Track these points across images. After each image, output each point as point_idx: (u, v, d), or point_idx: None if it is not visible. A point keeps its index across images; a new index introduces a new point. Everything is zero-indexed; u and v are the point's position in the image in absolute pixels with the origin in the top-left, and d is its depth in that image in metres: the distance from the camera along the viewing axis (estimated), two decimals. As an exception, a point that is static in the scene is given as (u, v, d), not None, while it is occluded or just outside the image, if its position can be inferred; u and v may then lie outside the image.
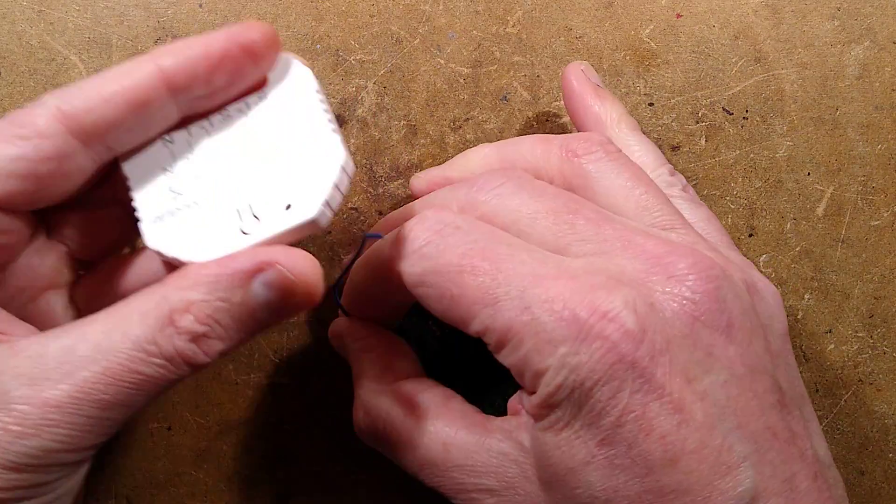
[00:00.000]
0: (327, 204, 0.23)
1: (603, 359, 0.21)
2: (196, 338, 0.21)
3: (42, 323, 0.26)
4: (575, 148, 0.27)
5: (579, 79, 0.30)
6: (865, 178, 0.34)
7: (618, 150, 0.27)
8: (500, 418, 0.25)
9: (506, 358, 0.23)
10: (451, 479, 0.25)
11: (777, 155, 0.34)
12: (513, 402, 0.25)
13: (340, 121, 0.34)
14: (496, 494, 0.24)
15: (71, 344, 0.21)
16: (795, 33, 0.34)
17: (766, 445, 0.22)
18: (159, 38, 0.34)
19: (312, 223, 0.23)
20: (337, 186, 0.23)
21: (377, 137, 0.34)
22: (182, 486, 0.34)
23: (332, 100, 0.34)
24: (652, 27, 0.34)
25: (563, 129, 0.34)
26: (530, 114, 0.34)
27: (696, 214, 0.28)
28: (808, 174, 0.34)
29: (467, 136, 0.34)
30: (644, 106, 0.34)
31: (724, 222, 0.34)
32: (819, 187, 0.34)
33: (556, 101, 0.34)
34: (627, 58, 0.34)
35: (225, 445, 0.34)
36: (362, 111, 0.34)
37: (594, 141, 0.27)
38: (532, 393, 0.23)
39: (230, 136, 0.24)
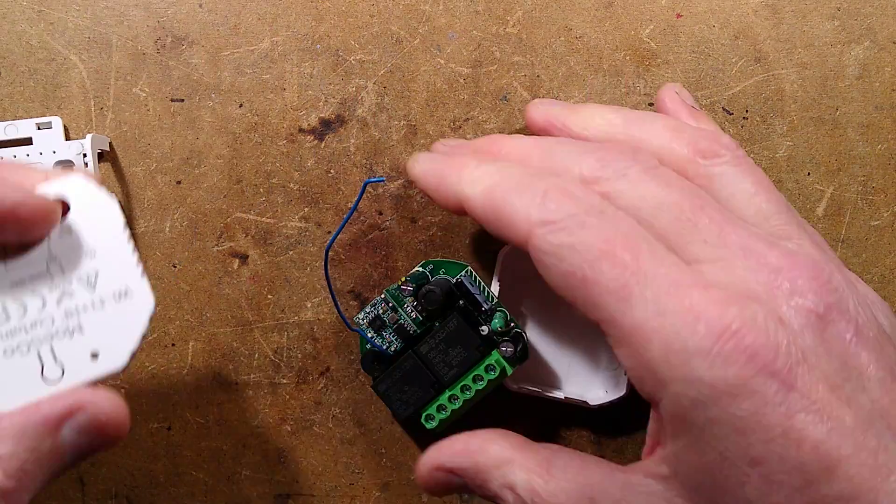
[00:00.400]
0: (133, 353, 0.23)
1: (740, 373, 0.21)
2: (5, 493, 0.20)
3: None
4: (704, 149, 0.27)
5: (674, 100, 0.31)
6: (865, 178, 0.34)
7: (744, 155, 0.27)
8: (636, 463, 0.25)
9: (627, 357, 0.23)
10: None
11: (777, 155, 0.34)
12: (651, 438, 0.25)
13: (340, 120, 0.34)
14: None
15: None
16: (795, 33, 0.34)
17: None
18: (159, 38, 0.34)
19: (118, 373, 0.23)
20: (144, 335, 0.23)
21: (377, 137, 0.34)
22: (182, 486, 0.34)
23: (332, 100, 0.34)
24: (652, 27, 0.34)
25: (563, 129, 0.34)
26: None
27: (807, 231, 0.27)
28: (808, 174, 0.34)
29: (467, 136, 0.34)
30: (644, 106, 0.34)
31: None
32: (819, 187, 0.34)
33: (556, 100, 0.34)
34: (627, 58, 0.34)
35: (225, 445, 0.34)
36: (362, 111, 0.34)
37: (723, 144, 0.27)
38: (652, 400, 0.23)
39: (31, 276, 0.23)
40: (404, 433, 0.34)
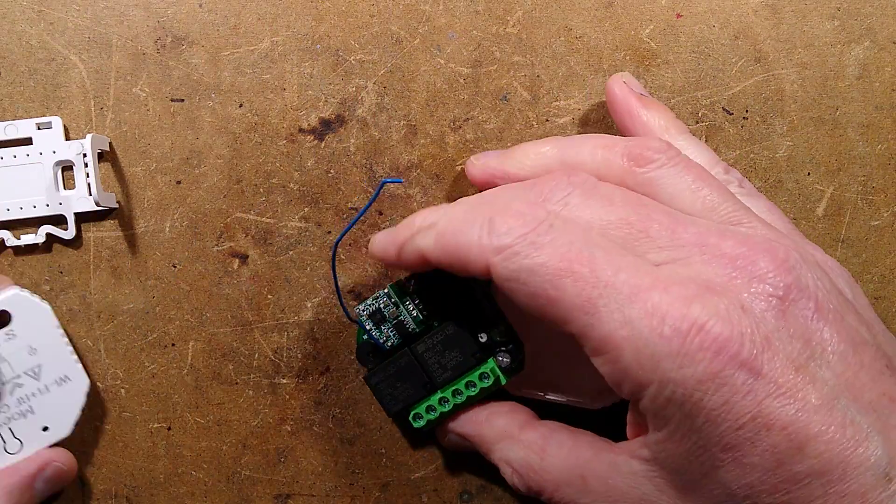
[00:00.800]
0: (76, 422, 0.31)
1: (708, 369, 0.22)
2: None
3: None
4: (637, 156, 0.27)
5: (622, 89, 0.31)
6: (865, 178, 0.34)
7: (678, 153, 0.27)
8: (622, 443, 0.26)
9: (602, 366, 0.24)
10: None
11: (777, 155, 0.34)
12: (634, 423, 0.26)
13: (340, 120, 0.34)
14: None
15: None
16: (795, 33, 0.34)
17: (886, 411, 0.22)
18: (159, 38, 0.34)
19: (64, 438, 0.31)
20: (83, 408, 0.31)
21: (377, 137, 0.34)
22: (182, 486, 0.34)
23: (332, 100, 0.34)
24: (652, 27, 0.34)
25: (562, 130, 0.34)
26: (530, 114, 0.34)
27: (757, 206, 0.28)
28: (808, 174, 0.34)
29: (467, 136, 0.34)
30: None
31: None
32: (819, 187, 0.34)
33: (556, 101, 0.34)
34: (627, 58, 0.34)
35: (225, 445, 0.34)
36: (362, 111, 0.34)
37: (654, 148, 0.27)
38: (632, 400, 0.24)
39: None
40: (404, 433, 0.34)
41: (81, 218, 0.34)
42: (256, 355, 0.34)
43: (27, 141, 0.34)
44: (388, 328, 0.31)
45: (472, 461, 0.34)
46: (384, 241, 0.29)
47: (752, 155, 0.34)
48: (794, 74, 0.34)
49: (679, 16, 0.34)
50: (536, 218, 0.25)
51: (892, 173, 0.34)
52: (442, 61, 0.34)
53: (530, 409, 0.31)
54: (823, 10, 0.34)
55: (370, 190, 0.34)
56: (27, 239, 0.34)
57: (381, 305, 0.31)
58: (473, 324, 0.30)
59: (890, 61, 0.34)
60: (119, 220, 0.34)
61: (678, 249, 0.24)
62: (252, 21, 0.34)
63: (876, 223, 0.34)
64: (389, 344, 0.31)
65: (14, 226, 0.34)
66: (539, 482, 0.28)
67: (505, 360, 0.30)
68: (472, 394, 0.30)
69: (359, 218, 0.28)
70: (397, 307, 0.31)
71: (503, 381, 0.30)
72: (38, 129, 0.34)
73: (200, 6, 0.34)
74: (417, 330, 0.31)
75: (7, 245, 0.34)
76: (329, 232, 0.34)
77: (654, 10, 0.34)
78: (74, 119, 0.34)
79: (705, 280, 0.23)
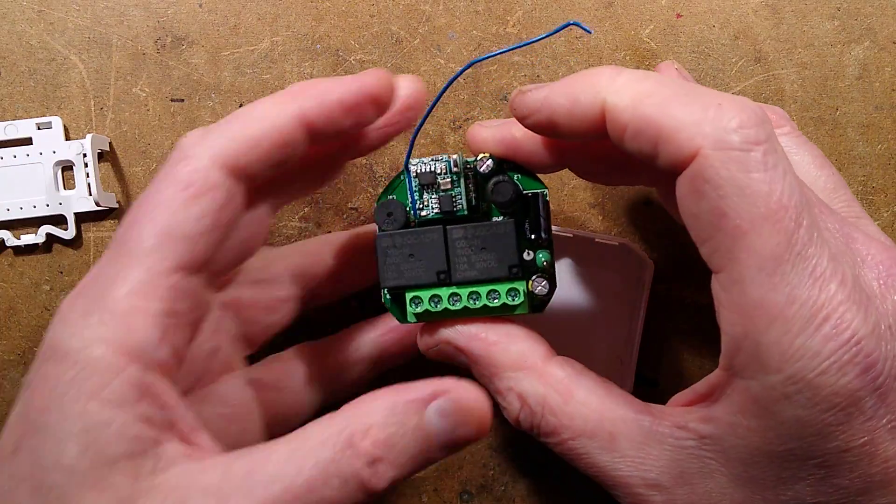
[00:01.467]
0: None
1: (848, 385, 0.20)
2: (373, 461, 0.22)
3: (222, 406, 0.27)
4: (773, 120, 0.24)
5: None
6: (865, 178, 0.34)
7: (797, 127, 0.26)
8: (665, 408, 0.24)
9: (732, 324, 0.21)
10: (614, 471, 0.24)
11: (777, 155, 0.34)
12: (692, 390, 0.24)
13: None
14: (666, 491, 0.23)
15: (255, 464, 0.22)
16: (795, 33, 0.34)
17: None
18: (159, 38, 0.34)
19: None
20: None
21: (377, 137, 0.34)
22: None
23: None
24: (652, 27, 0.34)
25: (563, 129, 0.34)
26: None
27: (812, 152, 0.26)
28: (808, 174, 0.34)
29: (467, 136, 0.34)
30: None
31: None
32: (819, 187, 0.34)
33: (556, 101, 0.34)
34: (627, 58, 0.34)
35: (225, 445, 0.34)
36: (362, 111, 0.34)
37: (781, 114, 0.25)
38: (735, 371, 0.22)
39: None
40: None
41: (81, 218, 0.34)
42: (259, 354, 0.34)
43: (27, 141, 0.34)
44: (432, 197, 0.26)
45: (472, 461, 0.34)
46: (551, 90, 0.24)
47: (752, 155, 0.34)
48: (794, 74, 0.34)
49: (679, 16, 0.34)
50: (766, 132, 0.21)
51: (892, 173, 0.34)
52: (442, 61, 0.34)
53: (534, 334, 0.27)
54: (823, 10, 0.34)
55: (370, 190, 0.34)
56: (27, 239, 0.34)
57: (439, 170, 0.26)
58: (523, 238, 0.26)
59: (890, 61, 0.34)
60: (119, 220, 0.34)
61: (822, 231, 0.22)
62: (252, 21, 0.34)
63: (876, 223, 0.34)
64: (423, 214, 0.26)
65: (14, 226, 0.34)
66: (555, 425, 0.24)
67: (540, 286, 0.26)
68: (491, 305, 0.26)
69: (432, 108, 0.26)
70: (456, 179, 0.26)
71: (525, 309, 0.26)
72: (38, 129, 0.34)
73: (200, 6, 0.34)
74: (462, 214, 0.26)
75: (7, 245, 0.34)
76: (329, 231, 0.34)
77: (654, 10, 0.34)
78: (74, 119, 0.34)
79: (865, 285, 0.22)
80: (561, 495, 0.34)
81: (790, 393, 0.21)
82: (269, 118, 0.24)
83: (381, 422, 0.22)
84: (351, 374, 0.31)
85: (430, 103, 0.26)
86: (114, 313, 0.22)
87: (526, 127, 0.25)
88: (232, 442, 0.26)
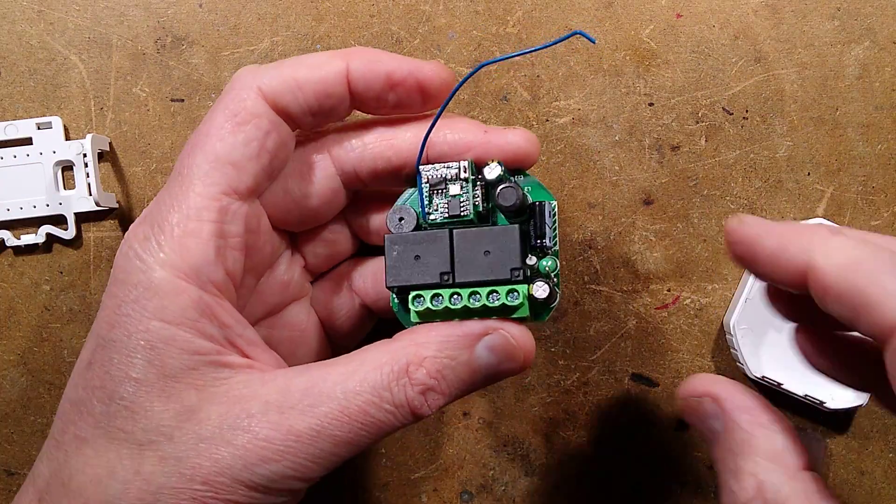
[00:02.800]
0: None
1: None
2: (425, 390, 0.24)
3: (290, 330, 0.29)
4: None
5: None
6: (865, 178, 0.34)
7: None
8: None
9: None
10: None
11: (777, 155, 0.34)
12: None
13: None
14: None
15: (314, 381, 0.24)
16: (795, 33, 0.34)
17: None
18: (159, 38, 0.34)
19: None
20: None
21: (377, 137, 0.34)
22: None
23: (332, 100, 0.34)
24: (652, 27, 0.34)
25: (562, 130, 0.34)
26: (530, 114, 0.34)
27: None
28: (808, 174, 0.34)
29: (467, 136, 0.34)
30: (644, 106, 0.34)
31: (724, 222, 0.34)
32: (819, 187, 0.34)
33: (556, 101, 0.34)
34: (627, 58, 0.34)
35: (225, 445, 0.34)
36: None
37: None
38: None
39: None
40: (405, 433, 0.34)
41: (81, 218, 0.34)
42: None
43: (27, 141, 0.34)
44: (441, 202, 0.27)
45: (472, 461, 0.34)
46: (766, 228, 0.23)
47: (752, 155, 0.34)
48: (794, 74, 0.34)
49: (679, 16, 0.34)
50: None
51: (892, 173, 0.34)
52: (442, 61, 0.34)
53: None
54: (823, 10, 0.34)
55: (370, 190, 0.34)
56: (27, 239, 0.34)
57: (449, 175, 0.27)
58: (528, 244, 0.27)
59: (890, 61, 0.34)
60: (119, 220, 0.34)
61: None
62: (252, 21, 0.34)
63: (876, 223, 0.34)
64: (432, 218, 0.27)
65: (14, 226, 0.34)
66: None
67: (541, 291, 0.26)
68: (491, 305, 0.26)
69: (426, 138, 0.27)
70: (466, 185, 0.27)
71: (525, 312, 0.26)
72: (38, 129, 0.34)
73: (200, 6, 0.34)
74: (468, 218, 0.27)
75: (7, 245, 0.34)
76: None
77: (654, 10, 0.34)
78: (74, 119, 0.34)
79: None
80: (561, 495, 0.34)
81: None
82: (317, 67, 0.26)
83: (435, 353, 0.24)
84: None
85: (439, 108, 0.27)
86: (170, 236, 0.24)
87: (731, 250, 0.24)
88: (298, 362, 0.28)
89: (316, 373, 0.24)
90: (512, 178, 0.28)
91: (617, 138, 0.34)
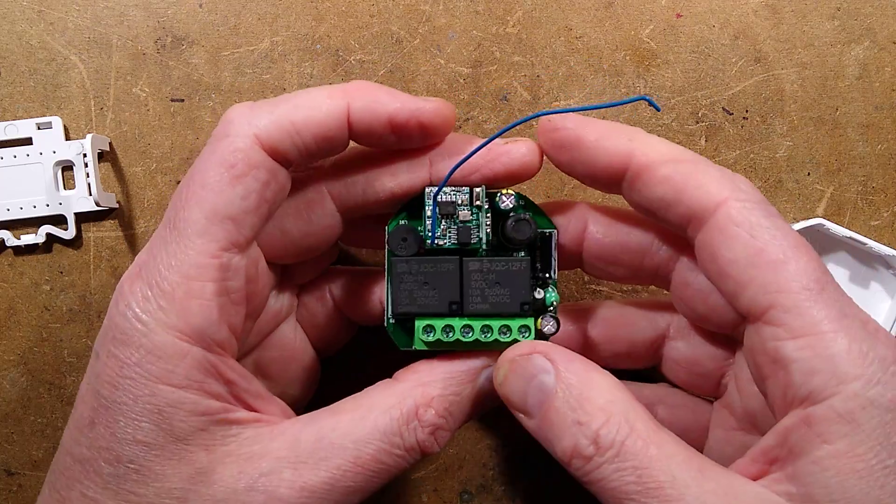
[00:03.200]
0: None
1: None
2: (435, 430, 0.24)
3: (281, 350, 0.29)
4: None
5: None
6: (865, 178, 0.34)
7: None
8: (746, 483, 0.22)
9: (799, 349, 0.22)
10: None
11: (777, 155, 0.34)
12: (753, 461, 0.23)
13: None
14: None
15: (324, 432, 0.24)
16: (795, 33, 0.34)
17: None
18: (159, 38, 0.34)
19: None
20: None
21: (377, 137, 0.34)
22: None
23: (332, 100, 0.34)
24: (652, 27, 0.34)
25: (563, 129, 0.34)
26: (530, 114, 0.34)
27: None
28: (808, 174, 0.34)
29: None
30: (644, 106, 0.34)
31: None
32: (819, 187, 0.34)
33: (556, 101, 0.34)
34: (627, 58, 0.34)
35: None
36: (362, 111, 0.34)
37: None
38: (811, 398, 0.22)
39: None
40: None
41: (81, 218, 0.34)
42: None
43: (27, 141, 0.34)
44: (451, 228, 0.26)
45: (472, 461, 0.34)
46: (588, 122, 0.26)
47: (752, 155, 0.34)
48: (794, 74, 0.34)
49: (679, 16, 0.34)
50: (766, 200, 0.24)
51: (892, 173, 0.34)
52: (442, 61, 0.34)
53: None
54: (823, 10, 0.34)
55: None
56: (27, 239, 0.34)
57: (460, 201, 0.26)
58: (538, 276, 0.27)
59: (890, 61, 0.34)
60: (119, 220, 0.34)
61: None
62: (252, 21, 0.34)
63: (876, 223, 0.34)
64: (440, 243, 0.27)
65: (14, 226, 0.34)
66: (638, 447, 0.22)
67: (549, 327, 0.26)
68: (503, 340, 0.26)
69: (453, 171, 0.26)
70: (477, 212, 0.27)
71: None
72: (38, 129, 0.34)
73: (200, 6, 0.34)
74: (478, 248, 0.27)
75: (7, 245, 0.34)
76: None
77: (654, 10, 0.34)
78: (74, 119, 0.34)
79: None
80: (561, 495, 0.34)
81: (874, 397, 0.21)
82: (316, 108, 0.25)
83: (441, 392, 0.24)
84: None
85: (474, 148, 0.26)
86: (171, 298, 0.23)
87: (547, 142, 0.26)
88: (292, 377, 0.29)
89: (325, 422, 0.24)
90: (525, 210, 0.27)
91: (617, 138, 0.34)
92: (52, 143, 0.34)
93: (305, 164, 0.26)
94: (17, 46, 0.34)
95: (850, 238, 0.32)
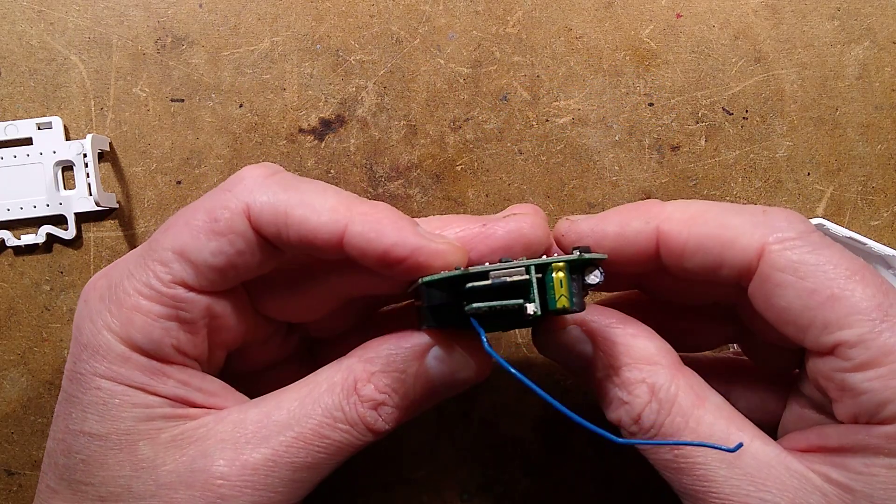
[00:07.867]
0: None
1: None
2: (376, 405, 0.24)
3: (276, 384, 0.27)
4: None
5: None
6: (865, 178, 0.34)
7: None
8: (793, 453, 0.24)
9: (869, 381, 0.22)
10: (731, 487, 0.23)
11: (777, 155, 0.34)
12: (806, 438, 0.24)
13: (340, 121, 0.34)
14: None
15: (267, 411, 0.24)
16: (795, 33, 0.34)
17: None
18: (159, 38, 0.34)
19: None
20: None
21: (377, 137, 0.34)
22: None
23: (332, 100, 0.34)
24: (652, 27, 0.34)
25: (562, 130, 0.34)
26: (530, 114, 0.34)
27: None
28: (808, 174, 0.34)
29: (467, 135, 0.34)
30: (644, 106, 0.34)
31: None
32: (819, 187, 0.34)
33: (556, 101, 0.34)
34: (627, 58, 0.34)
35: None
36: (362, 111, 0.34)
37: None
38: (876, 418, 0.22)
39: None
40: (405, 433, 0.34)
41: (81, 218, 0.34)
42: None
43: (27, 141, 0.34)
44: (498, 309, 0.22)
45: (472, 461, 0.34)
46: (600, 218, 0.25)
47: (752, 155, 0.34)
48: (794, 74, 0.34)
49: (679, 16, 0.34)
50: (807, 223, 0.24)
51: (892, 173, 0.34)
52: (442, 61, 0.34)
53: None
54: (823, 10, 0.34)
55: (370, 190, 0.34)
56: (27, 239, 0.34)
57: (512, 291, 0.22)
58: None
59: (890, 61, 0.34)
60: (119, 220, 0.34)
61: None
62: (252, 21, 0.34)
63: (876, 223, 0.34)
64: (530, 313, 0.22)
65: (14, 226, 0.34)
66: (680, 426, 0.23)
67: (593, 277, 0.23)
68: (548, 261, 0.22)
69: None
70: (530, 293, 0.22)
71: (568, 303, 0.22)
72: (38, 129, 0.34)
73: (200, 6, 0.34)
74: (533, 316, 0.22)
75: (7, 245, 0.34)
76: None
77: (654, 10, 0.34)
78: (74, 119, 0.34)
79: None
80: (561, 495, 0.34)
81: None
82: (315, 214, 0.23)
83: (382, 368, 0.24)
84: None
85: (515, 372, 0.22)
86: (120, 307, 0.24)
87: (569, 244, 0.25)
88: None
89: (271, 402, 0.24)
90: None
91: (617, 138, 0.34)
92: (52, 143, 0.34)
93: (297, 254, 0.25)
94: (17, 46, 0.34)
95: (850, 238, 0.32)
